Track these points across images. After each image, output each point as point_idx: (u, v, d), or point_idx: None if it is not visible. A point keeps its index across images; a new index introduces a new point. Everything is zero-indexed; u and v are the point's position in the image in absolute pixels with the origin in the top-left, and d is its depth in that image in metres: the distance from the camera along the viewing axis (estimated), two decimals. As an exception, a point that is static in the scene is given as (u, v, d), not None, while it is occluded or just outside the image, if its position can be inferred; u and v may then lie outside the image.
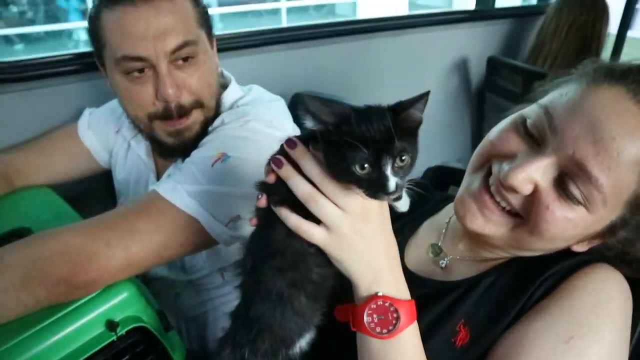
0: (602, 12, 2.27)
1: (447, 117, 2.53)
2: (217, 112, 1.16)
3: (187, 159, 1.06)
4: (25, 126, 1.37)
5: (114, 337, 0.89)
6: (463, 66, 2.50)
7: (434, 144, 2.20)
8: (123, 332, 0.89)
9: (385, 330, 0.63)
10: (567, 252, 0.73)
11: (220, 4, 8.64)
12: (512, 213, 0.72)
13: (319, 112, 0.58)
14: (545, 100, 0.72)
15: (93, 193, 1.48)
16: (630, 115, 0.63)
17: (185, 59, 1.07)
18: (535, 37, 2.44)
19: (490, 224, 0.73)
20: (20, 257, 0.88)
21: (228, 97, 1.19)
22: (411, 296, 0.80)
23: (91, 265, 0.88)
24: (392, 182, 0.58)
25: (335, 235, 0.62)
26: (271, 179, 0.64)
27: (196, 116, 1.11)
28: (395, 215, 0.94)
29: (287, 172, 0.62)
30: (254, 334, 0.69)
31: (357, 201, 0.60)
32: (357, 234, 0.62)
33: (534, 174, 0.67)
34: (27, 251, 0.89)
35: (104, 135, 1.36)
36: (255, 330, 0.69)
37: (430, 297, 0.78)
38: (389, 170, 0.57)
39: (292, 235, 0.64)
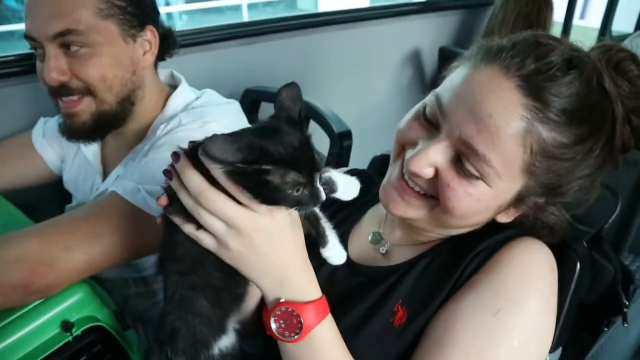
0: (546, 3, 2.36)
1: (400, 108, 2.58)
2: (125, 111, 1.15)
3: (146, 158, 1.06)
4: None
5: (70, 338, 0.89)
6: (416, 57, 2.55)
7: (386, 135, 2.25)
8: (79, 332, 0.90)
9: (293, 334, 0.66)
10: (496, 228, 0.78)
11: (187, 1, 8.53)
12: (427, 195, 0.76)
13: (223, 154, 0.56)
14: (439, 87, 0.76)
15: (44, 201, 1.46)
16: (503, 91, 0.67)
17: (74, 47, 1.05)
18: (485, 27, 2.52)
19: (411, 208, 0.77)
20: None
21: (178, 98, 1.19)
22: (352, 284, 0.84)
23: (50, 270, 0.88)
24: (322, 191, 0.62)
25: (223, 247, 0.64)
26: (162, 202, 0.67)
27: (86, 104, 1.10)
28: (339, 205, 0.97)
29: (175, 185, 0.64)
30: (168, 333, 0.71)
31: (242, 217, 0.62)
32: (245, 248, 0.64)
33: (432, 157, 0.72)
34: None
35: (58, 144, 1.36)
36: (168, 330, 0.71)
37: (370, 282, 0.81)
38: (318, 183, 0.62)
39: (190, 239, 0.66)
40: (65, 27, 1.03)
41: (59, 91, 1.08)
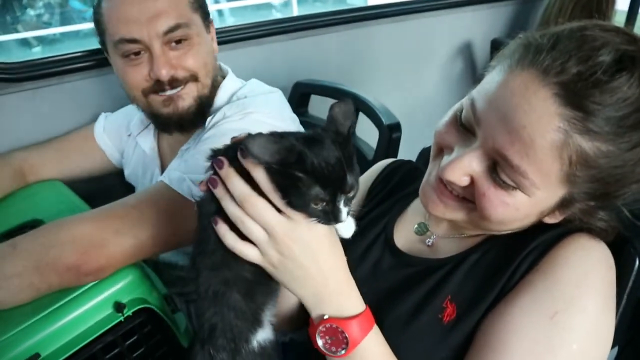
0: (608, -11, 2.24)
1: (450, 101, 2.52)
2: (212, 96, 1.21)
3: (193, 150, 1.10)
4: (37, 124, 1.44)
5: (121, 318, 0.94)
6: (467, 50, 2.49)
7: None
8: (129, 313, 0.95)
9: (340, 349, 0.66)
10: (549, 224, 0.74)
11: (230, -1, 8.69)
12: (465, 199, 0.73)
13: (262, 153, 0.59)
14: (476, 89, 0.72)
15: (107, 192, 1.54)
16: (538, 100, 0.62)
17: (179, 41, 1.14)
18: (540, 18, 2.42)
19: (449, 209, 0.75)
20: (34, 245, 0.93)
21: (226, 87, 1.24)
22: (398, 275, 0.83)
23: (100, 253, 0.93)
24: (344, 213, 0.63)
25: (266, 257, 0.65)
26: (203, 188, 0.68)
27: (191, 88, 1.17)
28: (385, 195, 0.97)
29: (220, 193, 0.65)
30: (207, 331, 0.72)
31: (280, 224, 0.62)
32: (285, 257, 0.64)
33: (467, 167, 0.69)
34: (40, 239, 0.94)
35: (118, 138, 1.45)
36: (206, 327, 0.72)
37: (418, 275, 0.80)
38: (342, 204, 0.62)
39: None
40: (175, 22, 1.12)
41: (162, 86, 1.15)
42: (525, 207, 0.68)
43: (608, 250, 0.72)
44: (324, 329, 0.66)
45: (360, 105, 1.49)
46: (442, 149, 0.77)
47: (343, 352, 0.65)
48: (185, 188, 1.01)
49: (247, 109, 1.14)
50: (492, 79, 0.69)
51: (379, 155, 1.37)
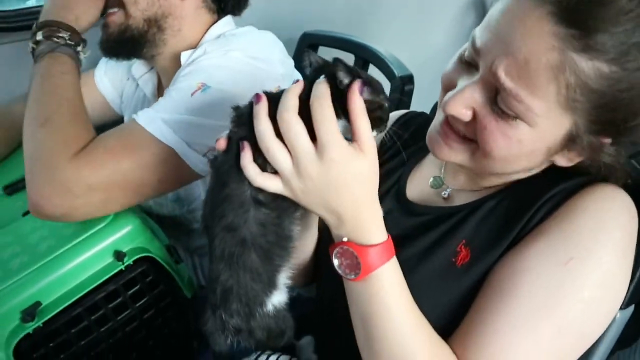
0: None
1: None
2: (151, 35, 1.14)
3: (168, 89, 1.04)
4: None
5: (122, 267, 0.93)
6: (480, 2, 2.40)
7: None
8: (130, 262, 0.94)
9: (352, 274, 0.64)
10: (569, 173, 0.71)
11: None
12: (469, 139, 0.71)
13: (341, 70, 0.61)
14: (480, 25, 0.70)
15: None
16: (534, 20, 0.59)
17: None
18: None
19: (454, 152, 0.73)
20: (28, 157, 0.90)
21: (216, 28, 1.16)
22: (410, 223, 0.81)
23: (67, 204, 0.88)
24: None
25: (288, 186, 0.62)
26: (222, 144, 0.66)
27: (117, 16, 1.11)
28: (400, 146, 0.93)
29: (257, 109, 0.62)
30: (220, 295, 0.70)
31: (333, 142, 0.59)
32: (306, 187, 0.62)
33: (467, 98, 0.66)
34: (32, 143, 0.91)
35: (118, 82, 1.39)
36: (219, 292, 0.70)
37: (431, 222, 0.78)
38: None
39: (243, 189, 0.65)
40: None
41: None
42: (528, 139, 0.65)
43: (631, 201, 0.68)
44: (341, 251, 0.65)
45: (371, 57, 1.44)
46: (447, 88, 0.74)
47: (354, 276, 0.64)
48: (156, 127, 0.94)
49: (229, 46, 1.06)
50: (493, 10, 0.67)
51: (390, 109, 1.32)
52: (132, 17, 1.10)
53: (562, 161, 0.70)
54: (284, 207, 0.68)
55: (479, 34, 0.67)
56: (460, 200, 0.81)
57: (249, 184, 0.64)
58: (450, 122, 0.73)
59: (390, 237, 0.66)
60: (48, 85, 0.94)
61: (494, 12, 0.66)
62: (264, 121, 0.61)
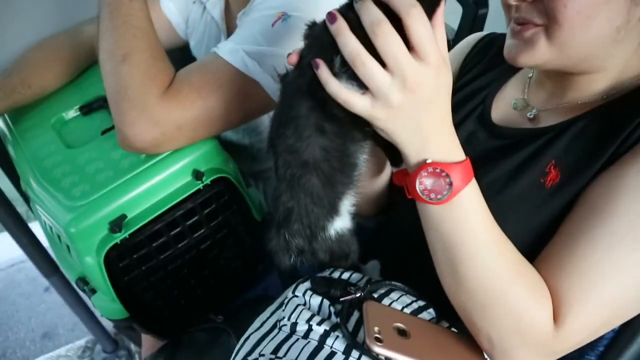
0: None
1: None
2: None
3: (244, 17, 1.03)
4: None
5: (200, 186, 0.95)
6: None
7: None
8: (208, 181, 0.96)
9: (439, 196, 0.62)
10: None
11: None
12: (540, 25, 0.68)
13: None
14: None
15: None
16: None
17: None
18: None
19: (534, 49, 0.69)
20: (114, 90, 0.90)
21: None
22: (495, 144, 0.79)
23: (155, 138, 0.90)
24: None
25: (379, 104, 0.59)
26: (294, 59, 0.64)
27: None
28: (483, 68, 0.91)
29: (340, 26, 0.58)
30: (282, 215, 0.70)
31: (413, 66, 0.56)
32: (407, 103, 0.59)
33: None
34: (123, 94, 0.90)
35: (184, 6, 1.36)
36: (282, 211, 0.69)
37: (518, 143, 0.76)
38: None
39: (312, 111, 0.63)
40: None
41: None
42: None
43: None
44: (426, 174, 0.62)
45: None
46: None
47: (443, 198, 0.62)
48: (239, 59, 0.94)
49: None
50: None
51: (462, 36, 1.27)
52: None
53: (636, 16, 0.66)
54: (352, 135, 0.67)
55: None
56: (547, 121, 0.78)
57: (317, 107, 0.63)
58: (517, 20, 0.70)
59: (468, 158, 0.65)
60: (118, 16, 0.92)
61: None
62: (351, 37, 0.57)
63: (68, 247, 0.94)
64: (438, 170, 0.62)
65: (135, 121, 0.88)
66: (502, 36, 0.95)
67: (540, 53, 0.70)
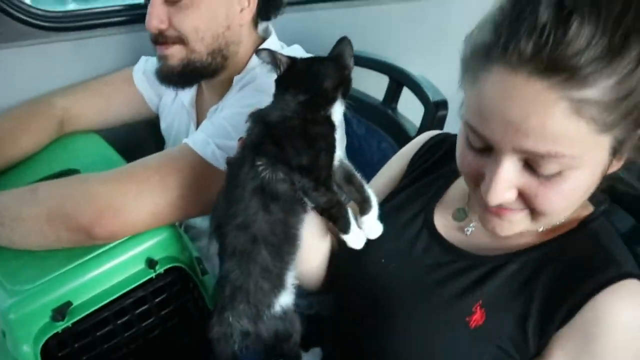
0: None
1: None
2: (215, 64, 1.15)
3: (220, 114, 1.06)
4: (79, 73, 1.42)
5: (153, 275, 0.94)
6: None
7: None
8: (161, 270, 0.94)
9: None
10: (607, 262, 0.69)
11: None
12: (523, 209, 0.69)
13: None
14: (462, 110, 0.67)
15: (139, 141, 1.53)
16: (519, 89, 0.57)
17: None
18: None
19: (515, 224, 0.70)
20: (53, 194, 0.92)
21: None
22: (433, 261, 0.80)
23: (116, 218, 0.90)
24: None
25: None
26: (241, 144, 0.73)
27: (177, 50, 1.11)
28: (425, 169, 0.93)
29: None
30: (229, 295, 0.71)
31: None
32: None
33: (506, 182, 0.64)
34: (60, 190, 0.93)
35: (157, 83, 1.38)
36: (228, 290, 0.71)
37: (454, 268, 0.77)
38: None
39: (256, 191, 0.70)
40: None
41: (157, 38, 1.12)
42: (582, 180, 0.64)
43: None
44: None
45: (405, 80, 1.43)
46: (475, 179, 0.71)
47: None
48: (209, 152, 0.96)
49: None
50: (470, 94, 0.65)
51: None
52: (196, 51, 1.11)
53: (613, 169, 0.68)
54: (293, 209, 0.73)
55: (476, 122, 0.64)
56: (482, 242, 0.79)
57: (257, 188, 0.70)
58: (494, 210, 0.70)
59: None
60: None
61: (471, 96, 0.65)
62: None
63: (3, 332, 0.90)
64: None
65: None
66: (453, 137, 0.97)
67: (524, 226, 0.71)
